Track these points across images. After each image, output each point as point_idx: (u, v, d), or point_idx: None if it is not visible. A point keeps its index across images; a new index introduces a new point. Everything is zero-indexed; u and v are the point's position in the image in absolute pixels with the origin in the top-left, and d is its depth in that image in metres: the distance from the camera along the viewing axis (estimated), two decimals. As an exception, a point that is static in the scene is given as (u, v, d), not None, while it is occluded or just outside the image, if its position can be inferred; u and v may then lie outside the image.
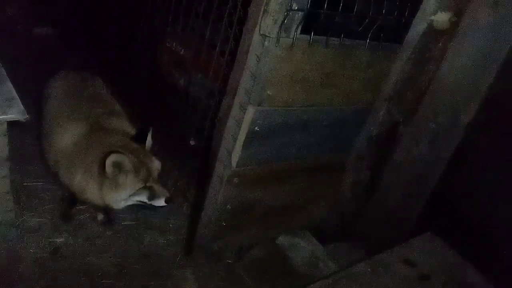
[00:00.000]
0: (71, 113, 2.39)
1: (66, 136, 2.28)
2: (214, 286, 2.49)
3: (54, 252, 2.44)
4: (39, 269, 2.31)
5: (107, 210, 2.63)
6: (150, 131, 2.22)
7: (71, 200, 2.61)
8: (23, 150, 3.06)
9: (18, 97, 1.67)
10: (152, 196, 2.14)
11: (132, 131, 2.46)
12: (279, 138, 2.26)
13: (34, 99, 2.78)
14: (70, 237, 2.55)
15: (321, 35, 2.00)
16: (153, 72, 3.67)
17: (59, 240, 2.52)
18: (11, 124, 1.63)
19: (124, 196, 2.11)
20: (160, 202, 2.16)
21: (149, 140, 2.23)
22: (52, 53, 4.73)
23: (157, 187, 2.14)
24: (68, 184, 2.26)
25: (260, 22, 1.84)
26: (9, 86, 1.75)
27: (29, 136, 3.15)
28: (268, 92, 2.03)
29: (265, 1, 1.80)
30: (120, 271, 2.42)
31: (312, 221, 2.92)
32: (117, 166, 2.02)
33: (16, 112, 1.60)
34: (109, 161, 1.99)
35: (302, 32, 1.92)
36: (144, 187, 2.10)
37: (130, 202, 2.18)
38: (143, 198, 2.15)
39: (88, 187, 2.15)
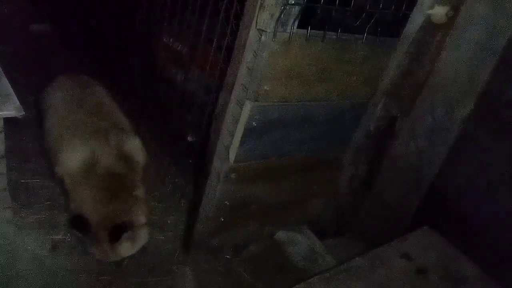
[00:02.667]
0: (77, 129, 2.38)
1: (73, 157, 2.28)
2: (213, 282, 2.49)
3: (52, 249, 2.44)
4: (38, 266, 2.30)
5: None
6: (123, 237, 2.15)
7: None
8: (20, 147, 3.05)
9: (14, 93, 1.67)
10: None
11: (139, 151, 2.48)
12: (276, 133, 2.26)
13: (31, 96, 2.78)
14: (68, 234, 2.55)
15: (318, 29, 2.00)
16: (150, 68, 3.66)
17: (57, 237, 2.52)
18: (8, 120, 1.63)
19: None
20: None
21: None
22: (49, 50, 4.72)
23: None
24: (68, 201, 2.29)
25: (257, 17, 1.83)
26: (6, 82, 1.75)
27: (26, 133, 3.15)
28: (265, 87, 2.02)
29: (261, -4, 1.79)
30: (118, 268, 2.42)
31: (310, 216, 2.93)
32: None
33: (13, 109, 1.60)
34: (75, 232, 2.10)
35: (299, 26, 1.92)
36: None
37: None
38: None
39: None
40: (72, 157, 2.28)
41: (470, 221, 2.48)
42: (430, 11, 2.20)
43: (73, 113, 2.48)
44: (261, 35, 1.88)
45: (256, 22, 1.85)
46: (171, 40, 3.47)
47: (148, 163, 2.55)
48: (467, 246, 2.34)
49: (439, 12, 2.18)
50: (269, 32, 1.84)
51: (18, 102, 1.63)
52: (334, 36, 2.07)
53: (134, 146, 2.46)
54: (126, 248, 2.19)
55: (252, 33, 1.91)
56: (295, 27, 1.90)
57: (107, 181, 2.22)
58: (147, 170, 2.53)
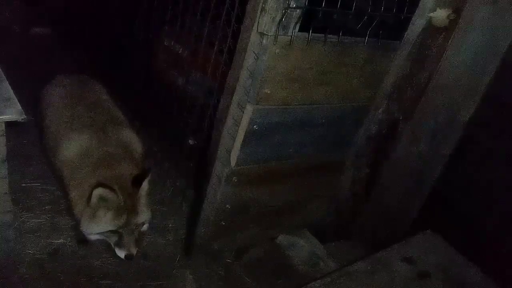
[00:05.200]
0: (74, 123, 2.39)
1: (71, 147, 2.28)
2: (214, 286, 2.48)
3: (53, 253, 2.43)
4: (39, 270, 2.30)
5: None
6: (148, 176, 2.11)
7: None
8: (21, 151, 3.05)
9: (15, 97, 1.67)
10: (117, 244, 2.12)
11: (136, 141, 2.47)
12: (277, 136, 2.25)
13: (32, 100, 2.78)
14: (69, 238, 2.54)
15: (319, 32, 2.00)
16: (151, 71, 3.66)
17: (58, 241, 2.51)
18: (9, 124, 1.63)
19: (94, 230, 2.10)
20: (121, 254, 2.12)
21: (145, 185, 2.11)
22: (49, 53, 4.72)
23: (127, 239, 2.09)
24: (68, 193, 2.26)
25: (258, 20, 1.83)
26: (7, 86, 1.74)
27: (27, 137, 3.14)
28: (266, 90, 2.02)
29: (263, -1, 1.79)
30: (119, 272, 2.41)
31: (311, 220, 2.92)
32: (102, 199, 2.00)
33: (14, 113, 1.59)
34: (95, 193, 1.98)
35: (300, 29, 1.92)
36: (115, 232, 2.09)
37: (98, 237, 2.17)
38: (110, 240, 2.14)
39: (77, 204, 2.15)
40: (70, 147, 2.28)
41: (472, 224, 2.47)
42: (431, 14, 2.20)
43: (71, 109, 2.49)
44: (262, 38, 1.88)
45: (257, 25, 1.85)
46: (172, 43, 3.47)
47: (144, 153, 2.55)
48: (470, 250, 2.33)
49: (441, 15, 2.17)
50: (270, 36, 1.83)
51: (19, 106, 1.62)
52: (335, 39, 2.07)
53: (131, 136, 2.47)
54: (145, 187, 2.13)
55: (253, 36, 1.91)
56: (296, 30, 1.89)
57: (107, 159, 2.22)
58: (144, 160, 2.53)
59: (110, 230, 2.08)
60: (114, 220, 2.05)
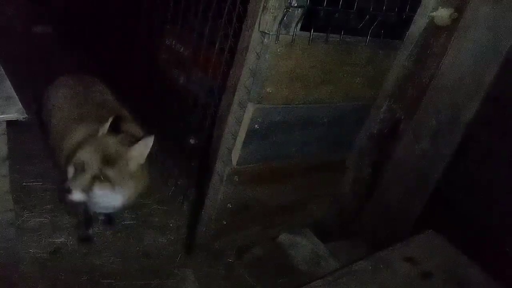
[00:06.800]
0: (81, 121, 2.38)
1: (76, 135, 2.27)
2: (215, 285, 2.48)
3: (54, 252, 2.43)
4: (40, 269, 2.30)
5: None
6: (146, 139, 2.06)
7: (88, 222, 2.57)
8: (22, 150, 3.05)
9: (17, 96, 1.66)
10: (73, 177, 2.01)
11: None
12: (279, 136, 2.25)
13: (33, 99, 2.78)
14: (70, 237, 2.54)
15: (321, 31, 1.99)
16: (152, 70, 3.66)
17: (59, 240, 2.51)
18: (10, 123, 1.62)
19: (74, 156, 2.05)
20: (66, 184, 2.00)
21: (138, 149, 2.07)
22: (50, 52, 4.73)
23: (81, 175, 1.98)
24: None
25: (260, 19, 1.83)
26: (8, 85, 1.74)
27: (28, 136, 3.14)
28: (268, 89, 2.02)
29: (264, -2, 1.79)
30: (120, 271, 2.41)
31: (313, 219, 2.92)
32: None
33: (15, 111, 1.59)
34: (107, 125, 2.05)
35: (301, 29, 1.91)
36: (78, 164, 2.00)
37: (71, 171, 2.07)
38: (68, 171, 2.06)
39: None
40: (74, 138, 2.27)
41: (473, 224, 2.47)
42: (433, 13, 2.19)
43: (77, 109, 2.50)
44: (263, 37, 1.87)
45: (259, 24, 1.84)
46: (173, 42, 3.47)
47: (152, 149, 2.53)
48: (470, 250, 2.33)
49: (443, 14, 2.17)
50: (271, 34, 1.83)
51: (20, 105, 1.62)
52: (337, 39, 2.07)
53: (137, 131, 2.45)
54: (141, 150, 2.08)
55: (255, 35, 1.91)
56: (298, 29, 1.89)
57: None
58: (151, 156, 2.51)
59: (77, 162, 2.01)
60: (85, 150, 2.02)
